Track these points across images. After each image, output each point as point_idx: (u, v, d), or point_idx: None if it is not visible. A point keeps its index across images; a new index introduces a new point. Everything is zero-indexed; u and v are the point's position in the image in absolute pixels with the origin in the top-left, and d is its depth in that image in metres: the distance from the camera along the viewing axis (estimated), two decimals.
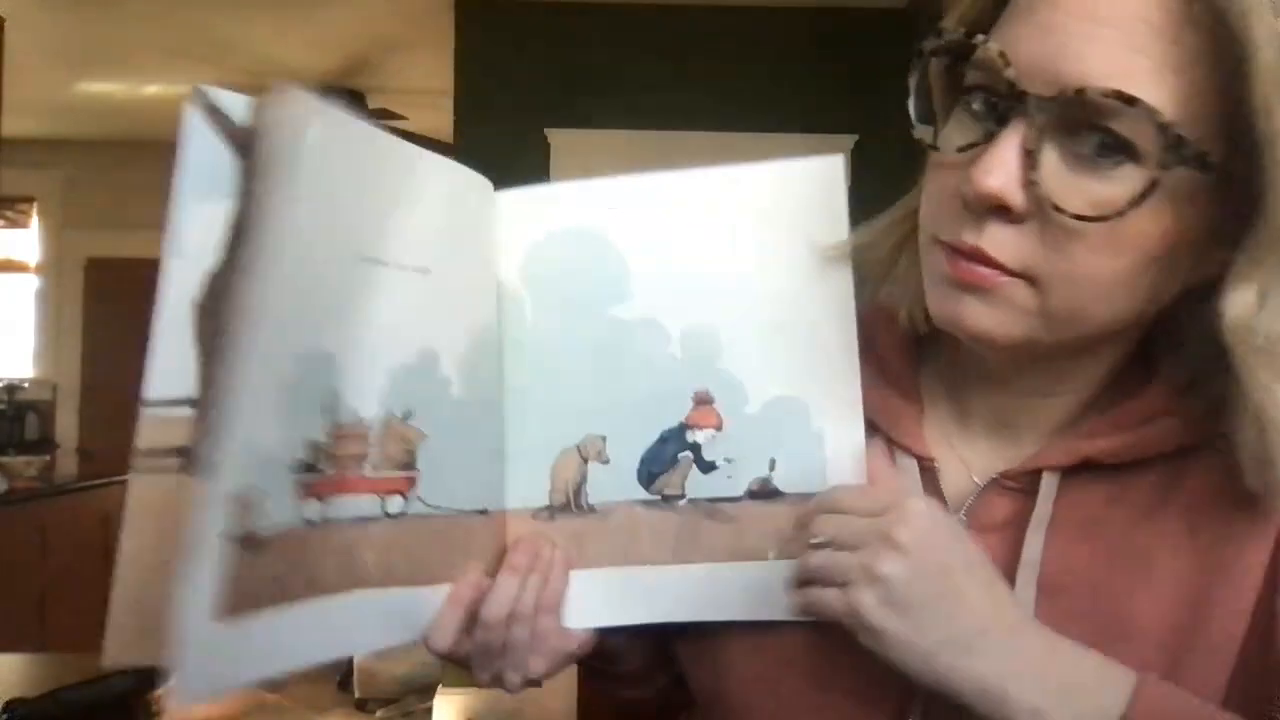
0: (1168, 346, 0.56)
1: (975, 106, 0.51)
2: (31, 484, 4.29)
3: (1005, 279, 0.50)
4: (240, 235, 0.49)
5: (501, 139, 3.18)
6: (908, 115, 0.54)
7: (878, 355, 0.62)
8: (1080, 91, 0.46)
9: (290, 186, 0.50)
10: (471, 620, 0.59)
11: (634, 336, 0.62)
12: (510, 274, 0.64)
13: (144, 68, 4.15)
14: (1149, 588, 0.52)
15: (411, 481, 0.58)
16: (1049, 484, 0.55)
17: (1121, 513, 0.54)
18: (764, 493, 0.60)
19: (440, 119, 3.51)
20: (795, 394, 0.60)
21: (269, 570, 0.50)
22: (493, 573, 0.60)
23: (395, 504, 0.57)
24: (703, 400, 0.61)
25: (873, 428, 0.59)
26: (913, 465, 0.59)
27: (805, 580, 0.53)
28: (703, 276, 0.62)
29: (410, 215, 0.58)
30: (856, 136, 3.01)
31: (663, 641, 0.68)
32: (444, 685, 2.75)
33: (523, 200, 0.64)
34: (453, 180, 0.61)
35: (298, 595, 0.51)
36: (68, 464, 4.88)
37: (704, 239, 0.62)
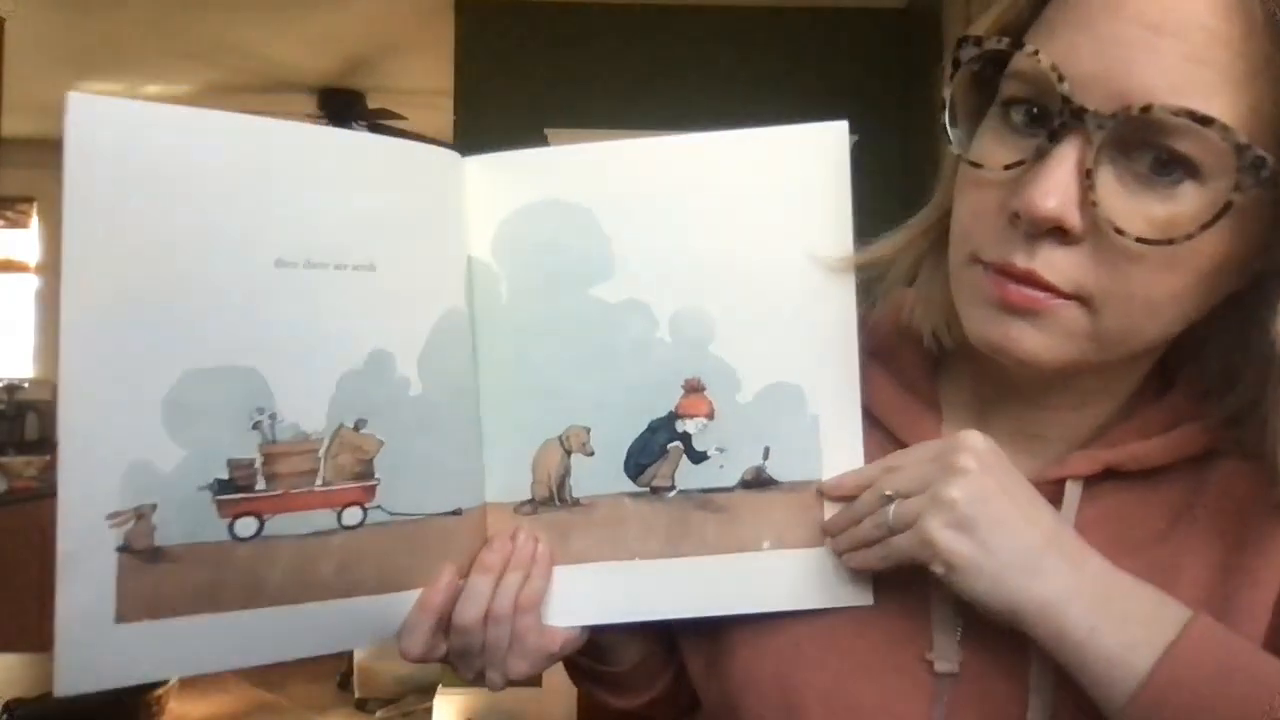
0: (1188, 352, 0.55)
1: (1016, 119, 0.49)
2: (31, 484, 4.28)
3: (1058, 301, 0.48)
4: (64, 251, 0.48)
5: (501, 139, 3.16)
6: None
7: (897, 365, 0.61)
8: (1146, 109, 0.44)
9: (93, 195, 0.48)
10: (445, 624, 0.57)
11: (619, 319, 0.58)
12: (482, 249, 0.59)
13: (144, 68, 4.14)
14: (1174, 594, 0.51)
15: (369, 491, 0.55)
16: (1072, 493, 0.54)
17: (1146, 520, 0.54)
18: (758, 482, 0.58)
19: (440, 119, 3.50)
20: (791, 379, 0.58)
21: (189, 580, 0.50)
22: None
23: (353, 515, 0.55)
24: (693, 388, 0.58)
25: (890, 435, 0.59)
26: None
27: (872, 540, 0.53)
28: (693, 254, 0.58)
29: (345, 209, 0.54)
30: (856, 137, 2.99)
31: (658, 643, 0.67)
32: (444, 685, 2.76)
33: (496, 166, 0.60)
34: (405, 161, 0.57)
35: (234, 604, 0.51)
36: None
37: (694, 212, 0.58)
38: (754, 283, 0.58)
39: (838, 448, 0.58)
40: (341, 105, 4.36)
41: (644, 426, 0.59)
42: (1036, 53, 0.47)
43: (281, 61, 4.02)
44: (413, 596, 0.57)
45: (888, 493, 0.52)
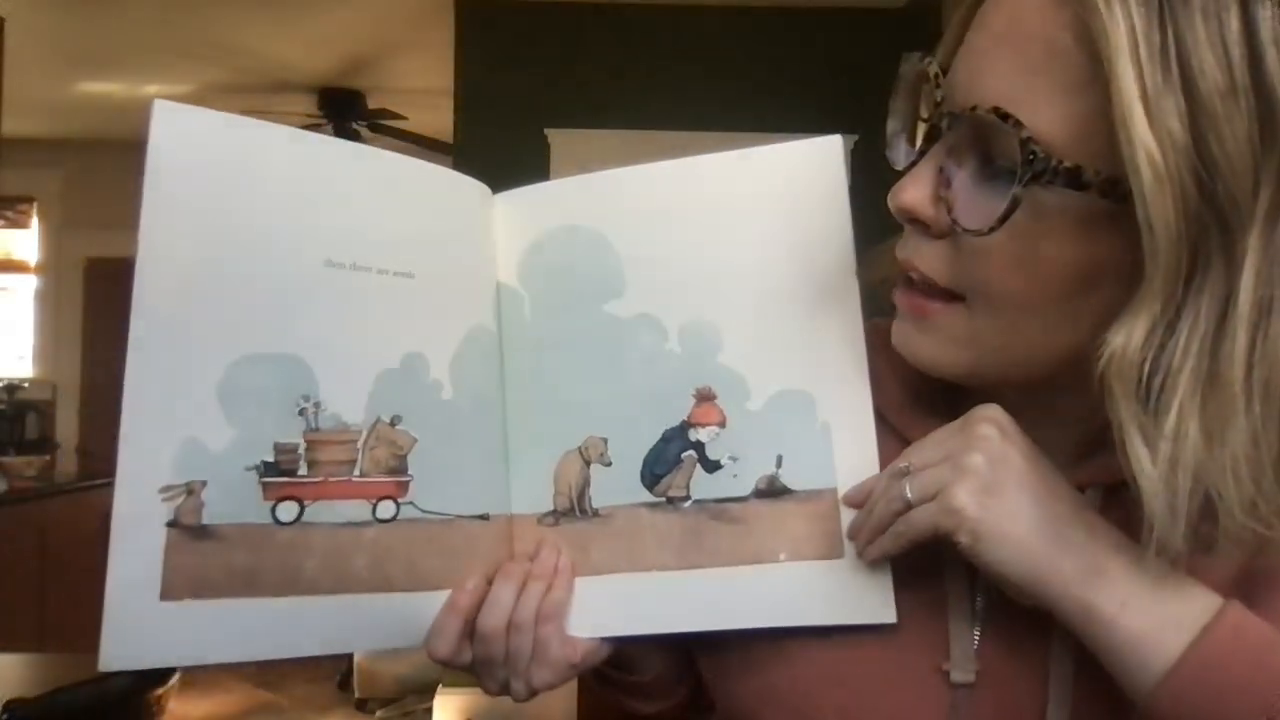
0: None
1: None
2: (31, 484, 4.29)
3: (937, 306, 0.51)
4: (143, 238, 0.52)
5: (501, 139, 3.18)
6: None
7: (905, 367, 0.60)
8: (973, 109, 0.47)
9: (168, 192, 0.52)
10: (471, 629, 0.58)
11: (630, 333, 0.60)
12: (509, 275, 0.63)
13: (144, 68, 4.15)
14: None
15: (403, 486, 0.57)
16: (1092, 500, 0.54)
17: None
18: (771, 490, 0.58)
19: (440, 119, 3.51)
20: (799, 386, 0.59)
21: (232, 561, 0.53)
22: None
23: (386, 509, 0.57)
24: (704, 397, 0.59)
25: (900, 436, 0.58)
26: None
27: (887, 522, 0.52)
28: (699, 268, 0.60)
29: (389, 221, 0.58)
30: (856, 136, 3.01)
31: (681, 650, 0.66)
32: (444, 685, 2.76)
33: (520, 199, 0.63)
34: (442, 185, 0.61)
35: (272, 590, 0.53)
36: (68, 464, 4.87)
37: (699, 229, 0.60)
38: (760, 293, 0.60)
39: (851, 455, 0.58)
40: (341, 105, 4.35)
41: (658, 436, 0.60)
42: (930, 63, 0.51)
43: (281, 61, 4.02)
44: (440, 598, 0.58)
45: (902, 465, 0.52)
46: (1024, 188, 0.45)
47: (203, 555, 0.52)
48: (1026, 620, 0.52)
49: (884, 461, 0.57)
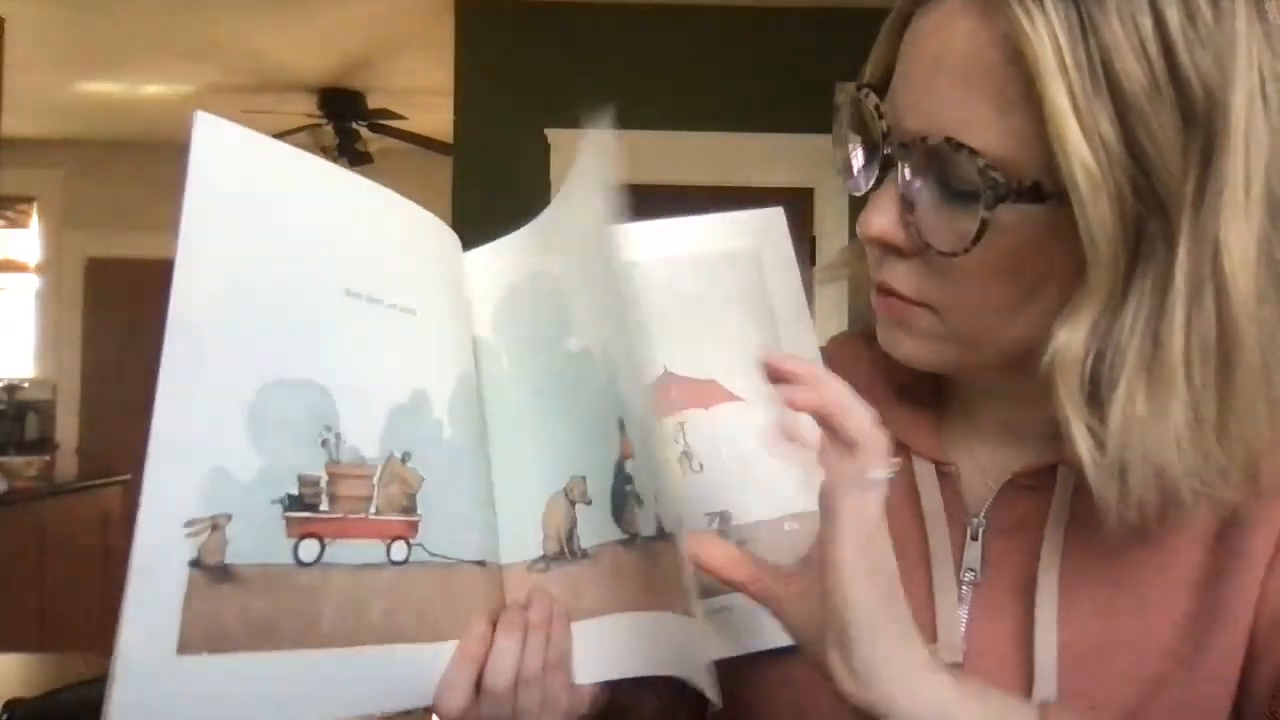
0: None
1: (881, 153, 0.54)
2: (31, 484, 4.30)
3: (912, 308, 0.54)
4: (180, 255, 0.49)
5: (501, 139, 3.17)
6: None
7: (891, 368, 0.61)
8: (923, 140, 0.49)
9: (208, 210, 0.50)
10: (479, 683, 0.56)
11: (580, 369, 0.60)
12: (483, 327, 0.63)
13: (144, 68, 4.15)
14: (1163, 575, 0.53)
15: (413, 526, 0.55)
16: (1064, 478, 0.56)
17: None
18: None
19: (440, 119, 3.51)
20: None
21: (250, 609, 0.48)
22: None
23: (400, 550, 0.55)
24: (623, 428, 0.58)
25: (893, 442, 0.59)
26: (929, 469, 0.60)
27: None
28: (632, 297, 0.60)
29: (397, 256, 0.58)
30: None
31: (671, 685, 0.65)
32: None
33: (487, 254, 0.64)
34: (427, 227, 0.61)
35: (288, 642, 0.49)
36: (68, 464, 4.87)
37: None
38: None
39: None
40: (341, 105, 4.36)
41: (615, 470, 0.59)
42: (867, 95, 0.53)
43: (281, 61, 4.02)
44: (447, 649, 0.56)
45: None
46: (990, 211, 0.47)
47: (221, 601, 0.47)
48: (1011, 600, 0.54)
49: None
